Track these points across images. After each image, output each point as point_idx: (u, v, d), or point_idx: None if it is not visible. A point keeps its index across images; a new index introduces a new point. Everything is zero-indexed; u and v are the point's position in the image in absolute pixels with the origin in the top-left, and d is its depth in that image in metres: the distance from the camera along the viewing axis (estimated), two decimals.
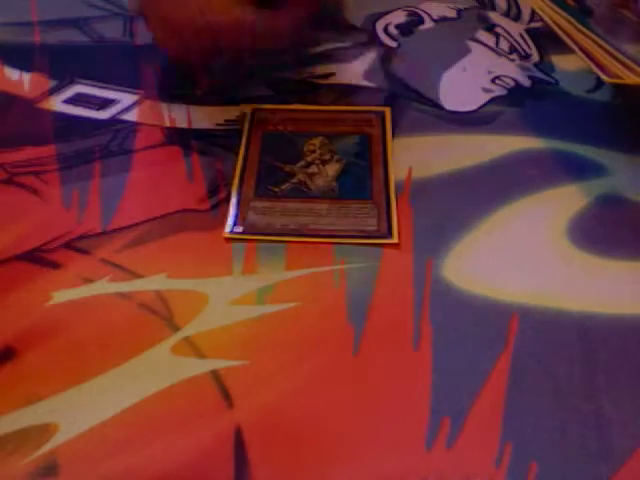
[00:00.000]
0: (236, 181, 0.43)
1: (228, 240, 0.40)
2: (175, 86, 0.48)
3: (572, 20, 0.47)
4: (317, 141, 0.45)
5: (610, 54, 0.45)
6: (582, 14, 0.48)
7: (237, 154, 0.44)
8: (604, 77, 0.44)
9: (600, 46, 0.46)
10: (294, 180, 0.43)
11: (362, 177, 0.43)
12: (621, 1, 0.50)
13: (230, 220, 0.41)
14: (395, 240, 0.40)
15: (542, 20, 0.49)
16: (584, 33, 0.46)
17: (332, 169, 0.43)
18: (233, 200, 0.42)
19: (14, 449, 0.31)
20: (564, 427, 0.33)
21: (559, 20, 0.47)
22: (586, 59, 0.45)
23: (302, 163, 0.43)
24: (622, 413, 0.33)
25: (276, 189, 0.42)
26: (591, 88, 0.50)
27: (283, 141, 0.44)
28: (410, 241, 0.40)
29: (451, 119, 0.47)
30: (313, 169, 0.43)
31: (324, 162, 0.43)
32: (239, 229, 0.40)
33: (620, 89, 0.48)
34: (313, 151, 0.44)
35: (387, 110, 0.48)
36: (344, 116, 0.47)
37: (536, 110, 0.48)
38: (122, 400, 0.33)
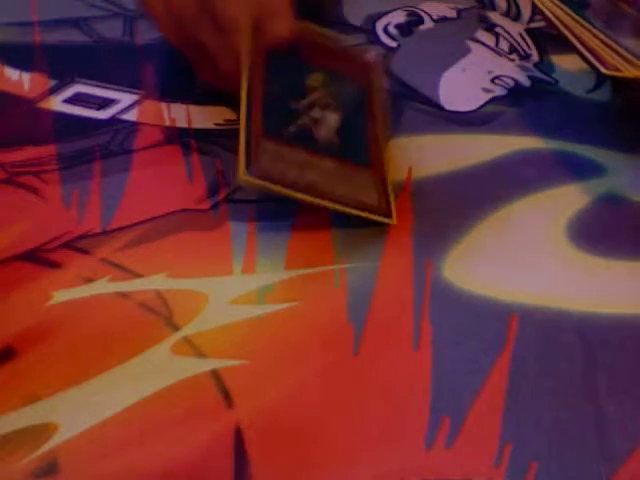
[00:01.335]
0: (243, 114, 0.40)
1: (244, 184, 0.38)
2: (175, 86, 0.48)
3: (571, 13, 0.47)
4: (319, 77, 0.43)
5: (609, 47, 0.45)
6: (579, 6, 0.48)
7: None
8: (603, 69, 0.44)
9: (599, 39, 0.45)
10: (300, 122, 0.41)
11: (360, 138, 0.42)
12: None
13: (243, 163, 0.38)
14: (393, 221, 0.40)
15: (542, 14, 0.49)
16: (583, 26, 0.46)
17: (332, 119, 0.41)
18: (243, 138, 0.39)
19: (14, 449, 0.31)
20: (564, 427, 0.33)
21: (559, 13, 0.47)
22: (585, 52, 0.45)
23: (305, 102, 0.42)
24: (622, 413, 0.33)
25: (283, 129, 0.40)
26: (591, 88, 0.50)
27: (287, 67, 0.42)
28: (410, 241, 0.40)
29: (451, 119, 0.48)
30: (316, 113, 0.41)
31: (324, 107, 0.42)
32: (253, 174, 0.38)
33: (619, 82, 0.48)
34: (315, 89, 0.43)
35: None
36: (348, 58, 0.46)
37: (536, 110, 0.48)
38: (122, 400, 0.33)
